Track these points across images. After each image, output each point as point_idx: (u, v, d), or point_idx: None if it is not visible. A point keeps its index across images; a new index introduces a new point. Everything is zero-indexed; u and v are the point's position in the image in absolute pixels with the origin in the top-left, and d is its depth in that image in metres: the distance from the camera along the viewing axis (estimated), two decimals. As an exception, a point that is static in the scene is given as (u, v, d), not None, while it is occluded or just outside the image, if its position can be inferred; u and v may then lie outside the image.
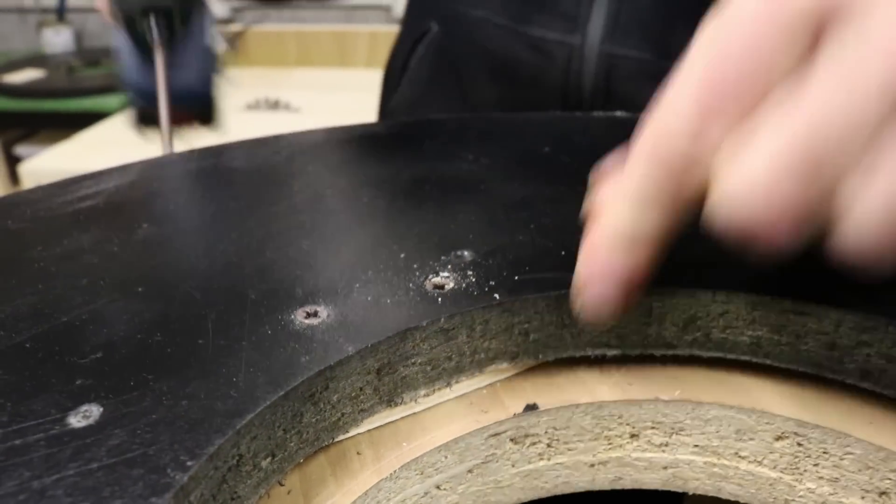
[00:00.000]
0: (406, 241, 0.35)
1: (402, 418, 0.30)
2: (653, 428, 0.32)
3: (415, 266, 0.32)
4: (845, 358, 0.30)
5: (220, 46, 0.73)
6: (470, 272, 0.32)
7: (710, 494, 0.33)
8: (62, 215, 0.38)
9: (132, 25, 0.59)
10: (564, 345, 0.32)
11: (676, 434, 0.32)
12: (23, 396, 0.24)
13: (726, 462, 0.32)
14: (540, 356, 0.32)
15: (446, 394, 0.31)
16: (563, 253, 0.33)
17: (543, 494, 0.33)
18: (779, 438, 0.31)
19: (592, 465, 0.32)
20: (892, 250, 0.22)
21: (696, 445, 0.32)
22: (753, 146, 0.22)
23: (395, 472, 0.28)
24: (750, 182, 0.22)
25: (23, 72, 2.40)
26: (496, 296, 0.30)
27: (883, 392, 0.30)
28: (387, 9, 2.59)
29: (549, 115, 0.55)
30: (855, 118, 0.21)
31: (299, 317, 0.29)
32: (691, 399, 0.31)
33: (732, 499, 0.32)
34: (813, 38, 0.22)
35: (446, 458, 0.29)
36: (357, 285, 0.31)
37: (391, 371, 0.29)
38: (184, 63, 0.65)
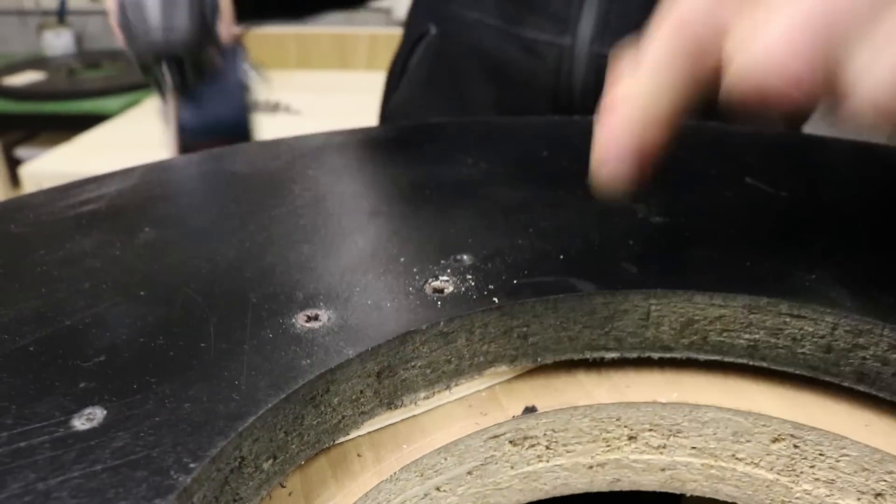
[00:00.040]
0: (406, 244, 0.35)
1: (402, 421, 0.30)
2: (651, 430, 0.32)
3: (415, 270, 0.32)
4: (841, 361, 0.31)
5: (254, 79, 0.74)
6: (469, 276, 0.32)
7: (708, 496, 0.33)
8: (64, 219, 0.38)
9: (147, 71, 0.60)
10: (563, 348, 0.32)
11: (674, 436, 0.32)
12: (27, 399, 0.25)
13: (723, 464, 0.32)
14: (538, 359, 0.32)
15: (446, 396, 0.31)
16: (561, 257, 0.34)
17: (542, 496, 0.33)
18: (775, 441, 0.31)
19: (591, 467, 0.33)
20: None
21: (694, 447, 0.32)
22: (770, 16, 0.24)
23: (395, 473, 0.28)
24: (769, 46, 0.24)
25: (23, 74, 2.40)
26: (495, 299, 0.30)
27: (878, 395, 0.30)
28: (387, 11, 2.59)
29: (548, 120, 0.55)
30: None
31: (300, 320, 0.29)
32: (689, 401, 0.32)
33: (730, 500, 0.33)
34: None
35: (446, 459, 0.30)
36: (357, 289, 0.31)
37: (391, 374, 0.29)
38: (219, 97, 0.66)
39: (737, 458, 0.32)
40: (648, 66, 0.29)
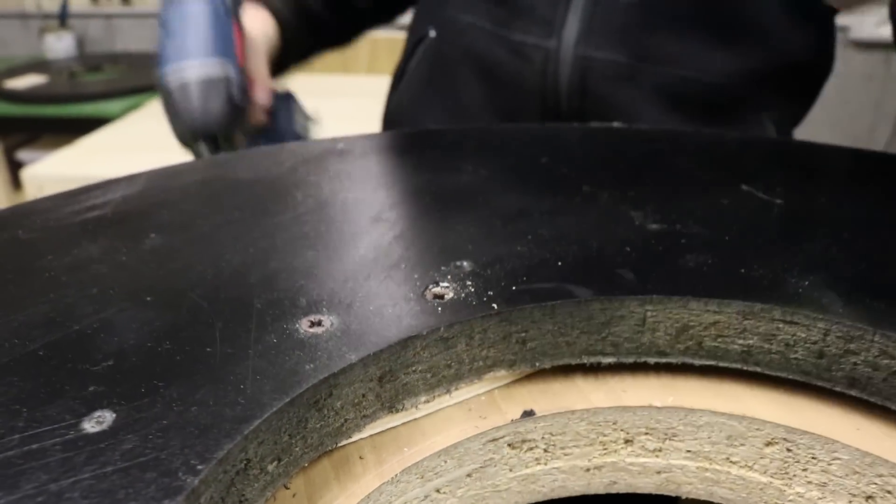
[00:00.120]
0: (407, 251, 0.35)
1: (403, 424, 0.31)
2: (646, 434, 0.33)
3: (416, 276, 0.33)
4: (833, 366, 0.31)
5: (307, 127, 0.78)
6: (469, 282, 0.33)
7: (703, 498, 0.34)
8: (71, 225, 0.39)
9: (187, 145, 0.65)
10: (561, 353, 0.33)
11: (669, 440, 0.33)
12: (38, 402, 0.25)
13: (718, 467, 0.33)
14: (537, 364, 0.33)
15: (446, 400, 0.32)
16: (559, 263, 0.34)
17: (540, 498, 0.33)
18: (769, 444, 0.32)
19: (588, 470, 0.33)
20: None
21: (689, 451, 0.33)
22: None
23: (396, 475, 0.29)
24: None
25: (25, 77, 2.41)
26: (494, 305, 0.31)
27: (869, 399, 0.31)
28: (387, 15, 2.60)
29: (547, 127, 0.56)
30: None
31: (304, 326, 0.30)
32: (684, 406, 0.32)
33: (724, 503, 0.33)
34: None
35: (446, 462, 0.30)
36: (359, 295, 0.32)
37: (392, 378, 0.30)
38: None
39: (731, 462, 0.33)
40: None
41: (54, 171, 1.68)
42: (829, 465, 0.31)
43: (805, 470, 0.31)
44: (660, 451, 0.33)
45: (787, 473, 0.32)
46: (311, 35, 0.87)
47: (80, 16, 2.78)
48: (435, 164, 0.47)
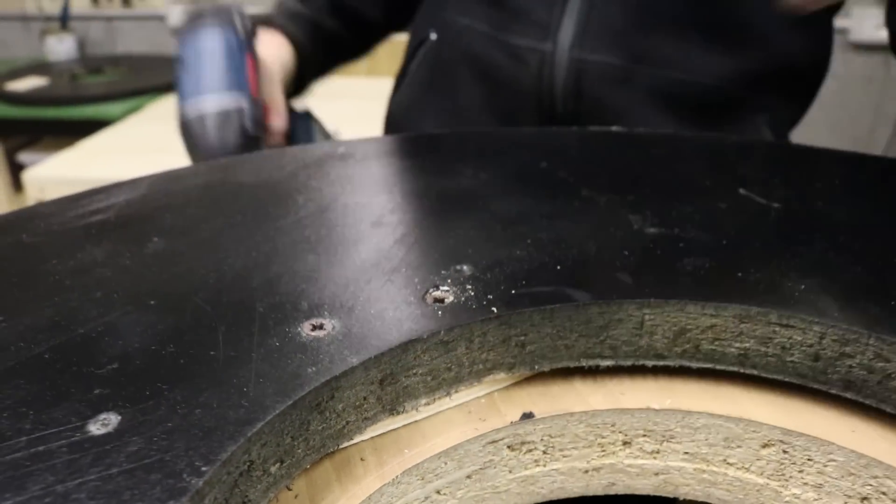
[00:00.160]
0: (408, 255, 0.36)
1: (404, 426, 0.31)
2: (644, 436, 0.33)
3: (416, 280, 0.33)
4: (829, 369, 0.32)
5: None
6: (469, 286, 0.33)
7: (700, 500, 0.34)
8: (75, 229, 0.39)
9: None
10: (559, 356, 0.33)
11: (667, 441, 0.33)
12: (44, 405, 0.26)
13: (715, 469, 0.33)
14: (536, 367, 0.33)
15: (446, 403, 0.32)
16: (558, 267, 0.35)
17: (539, 499, 0.34)
18: (765, 446, 0.32)
19: (587, 472, 0.34)
20: None
21: (687, 452, 0.33)
22: None
23: (397, 477, 0.29)
24: None
25: (26, 79, 2.41)
26: (494, 309, 0.31)
27: (864, 402, 0.31)
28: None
29: (547, 131, 0.56)
30: None
31: (306, 329, 0.30)
32: (681, 408, 0.32)
33: (721, 504, 0.34)
34: None
35: (446, 464, 0.31)
36: (361, 299, 0.32)
37: (393, 381, 0.30)
38: None
39: (728, 463, 0.33)
40: None
41: (55, 173, 1.68)
42: (825, 466, 0.31)
43: (801, 471, 0.32)
44: (657, 452, 0.33)
45: (783, 475, 0.32)
46: (327, 53, 0.89)
47: (81, 18, 2.78)
48: (435, 168, 0.48)
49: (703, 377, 0.34)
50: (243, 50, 0.67)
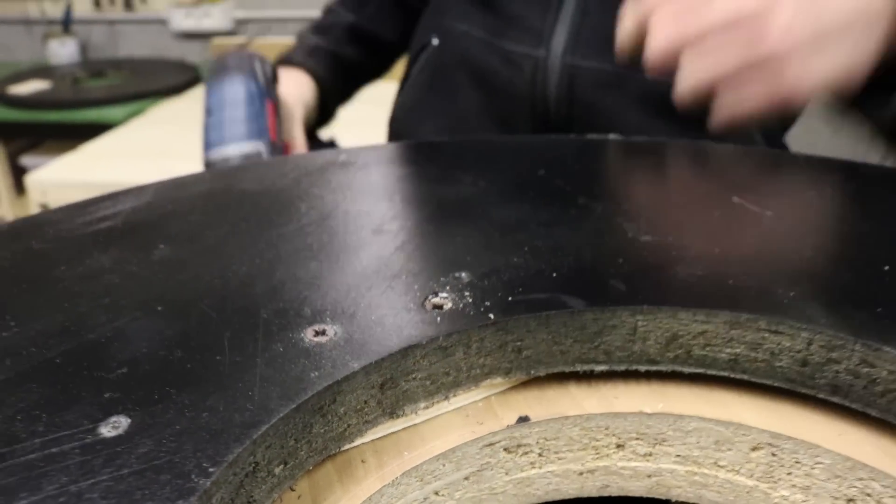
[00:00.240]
0: (408, 262, 0.37)
1: (404, 429, 0.32)
2: (637, 439, 0.34)
3: (416, 287, 0.34)
4: (816, 374, 0.33)
5: None
6: (467, 293, 0.34)
7: (692, 501, 0.35)
8: (83, 236, 0.40)
9: None
10: (555, 361, 0.34)
11: (659, 444, 0.34)
12: (56, 408, 0.27)
13: (706, 471, 0.34)
14: (532, 371, 0.34)
15: (444, 406, 0.33)
16: (554, 274, 0.36)
17: (535, 501, 0.35)
18: (755, 449, 0.33)
19: (581, 474, 0.35)
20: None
21: (678, 455, 0.34)
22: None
23: (396, 478, 0.30)
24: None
25: (28, 83, 2.42)
26: (491, 315, 0.32)
27: (851, 406, 0.32)
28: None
29: (545, 139, 0.57)
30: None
31: (308, 335, 0.31)
32: (673, 412, 0.33)
33: (712, 505, 0.35)
34: None
35: (444, 466, 0.32)
36: (362, 305, 0.33)
37: (393, 385, 0.31)
38: None
39: (719, 466, 0.34)
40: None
41: (57, 176, 1.69)
42: (813, 469, 0.32)
43: (789, 474, 0.33)
44: (650, 455, 0.34)
45: (772, 477, 0.33)
46: (348, 81, 0.93)
47: (83, 21, 2.79)
48: (435, 176, 0.48)
49: (695, 382, 0.35)
50: (263, 97, 0.71)
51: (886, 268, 0.36)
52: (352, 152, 0.53)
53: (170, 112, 2.19)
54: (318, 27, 0.94)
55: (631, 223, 0.41)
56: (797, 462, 0.32)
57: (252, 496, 0.26)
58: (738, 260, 0.37)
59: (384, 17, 0.95)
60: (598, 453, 0.34)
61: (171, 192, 0.46)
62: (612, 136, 0.57)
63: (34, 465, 0.24)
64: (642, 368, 0.35)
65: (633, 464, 0.34)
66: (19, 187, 2.36)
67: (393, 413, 0.32)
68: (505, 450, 0.33)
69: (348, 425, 0.30)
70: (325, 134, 0.93)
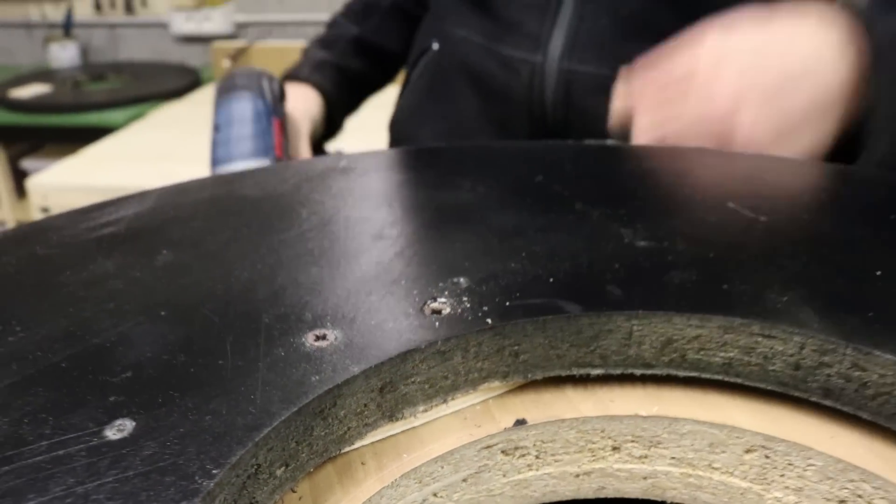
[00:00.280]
0: (407, 268, 0.37)
1: (403, 432, 0.33)
2: (633, 441, 0.34)
3: (415, 292, 0.35)
4: (809, 377, 0.33)
5: None
6: (465, 298, 0.35)
7: (687, 503, 0.35)
8: (87, 241, 0.41)
9: None
10: (551, 365, 0.35)
11: (655, 447, 0.34)
12: (63, 411, 0.27)
13: (701, 473, 0.35)
14: (529, 375, 0.35)
15: (443, 410, 0.34)
16: (551, 280, 0.36)
17: (533, 502, 0.35)
18: (748, 451, 0.33)
19: (577, 476, 0.35)
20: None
21: (673, 457, 0.35)
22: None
23: (395, 480, 0.31)
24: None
25: (29, 86, 2.43)
26: (489, 320, 0.33)
27: (842, 409, 0.33)
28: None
29: (543, 144, 0.58)
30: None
31: (309, 340, 0.31)
32: (668, 415, 0.34)
33: (707, 507, 0.35)
34: None
35: (442, 468, 0.32)
36: (362, 310, 0.34)
37: (392, 389, 0.32)
38: None
39: (713, 468, 0.34)
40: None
41: (58, 180, 1.70)
42: (805, 471, 0.32)
43: (782, 476, 0.33)
44: (645, 457, 0.35)
45: (765, 479, 0.33)
46: (353, 93, 0.96)
47: (84, 25, 2.80)
48: (434, 182, 0.49)
49: (689, 385, 0.35)
50: (270, 115, 0.73)
51: (878, 272, 0.37)
52: (352, 158, 0.53)
53: (170, 115, 2.20)
54: (323, 41, 0.95)
55: (627, 228, 0.42)
56: (790, 464, 0.33)
57: (254, 497, 0.27)
58: (732, 265, 0.38)
59: (387, 27, 0.96)
60: (594, 456, 0.35)
61: (173, 197, 0.47)
62: (609, 142, 0.58)
63: (41, 467, 0.25)
64: (638, 372, 0.35)
65: (628, 466, 0.35)
66: (20, 191, 2.37)
67: (392, 416, 0.32)
68: (502, 452, 0.33)
69: (348, 428, 0.31)
70: (332, 146, 0.94)
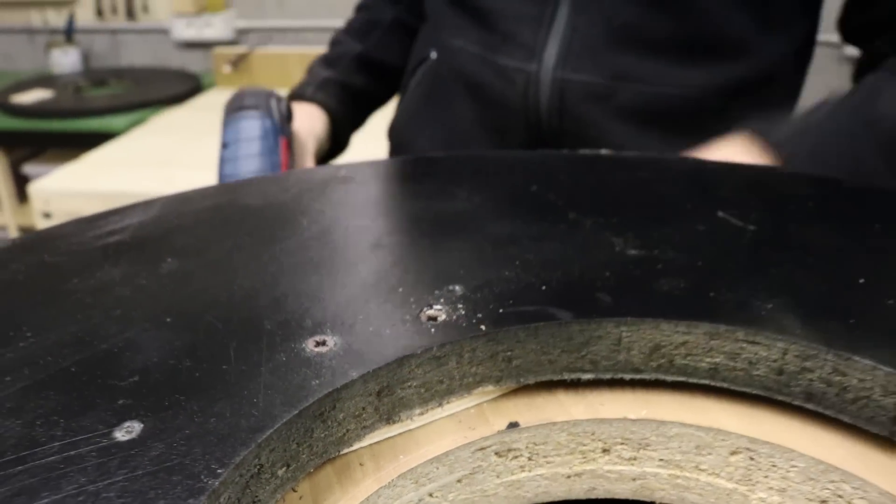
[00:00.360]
0: (404, 276, 0.39)
1: (400, 434, 0.34)
2: (622, 443, 0.36)
3: (411, 299, 0.36)
4: (792, 382, 0.34)
5: None
6: (460, 305, 0.36)
7: (675, 503, 0.36)
8: (93, 249, 0.42)
9: None
10: (543, 370, 0.36)
11: (643, 449, 0.36)
12: (73, 414, 0.28)
13: (688, 474, 0.36)
14: (521, 380, 0.36)
15: (438, 413, 0.35)
16: (543, 287, 0.37)
17: (525, 503, 0.36)
18: (733, 453, 0.34)
19: (569, 477, 0.36)
20: None
21: (661, 459, 0.36)
22: None
23: (392, 481, 0.32)
24: None
25: (31, 92, 2.44)
26: (483, 327, 0.34)
27: (824, 412, 0.34)
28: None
29: (538, 154, 0.59)
30: None
31: (310, 345, 0.33)
32: (656, 418, 0.35)
33: (694, 507, 0.36)
34: None
35: (438, 469, 0.33)
36: (360, 317, 0.35)
37: (390, 393, 0.33)
38: None
39: (700, 469, 0.35)
40: None
41: (60, 185, 1.71)
42: (788, 472, 0.34)
43: (766, 477, 0.34)
44: (634, 459, 0.36)
45: (750, 480, 0.35)
46: (358, 109, 0.98)
47: (85, 31, 2.82)
48: (432, 191, 0.50)
49: (677, 389, 0.36)
50: (277, 134, 0.75)
51: (861, 280, 0.38)
52: (351, 168, 0.54)
53: (171, 121, 2.21)
54: (327, 59, 0.97)
55: (619, 237, 0.43)
56: (773, 465, 0.34)
57: (257, 496, 0.28)
58: (720, 273, 0.39)
59: (389, 43, 0.98)
60: (584, 457, 0.36)
61: (177, 206, 0.48)
62: (603, 152, 0.59)
63: (54, 467, 0.26)
64: (627, 377, 0.36)
65: (618, 467, 0.36)
66: (22, 196, 2.38)
67: (389, 419, 0.34)
68: (496, 454, 0.34)
69: (347, 430, 0.32)
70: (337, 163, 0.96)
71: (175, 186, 0.50)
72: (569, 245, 0.42)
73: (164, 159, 1.87)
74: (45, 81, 2.59)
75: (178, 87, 2.46)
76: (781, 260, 0.41)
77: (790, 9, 0.76)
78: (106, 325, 0.35)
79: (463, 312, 0.35)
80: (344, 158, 0.94)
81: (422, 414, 0.34)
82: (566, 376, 0.36)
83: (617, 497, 0.37)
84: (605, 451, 0.36)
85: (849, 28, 0.79)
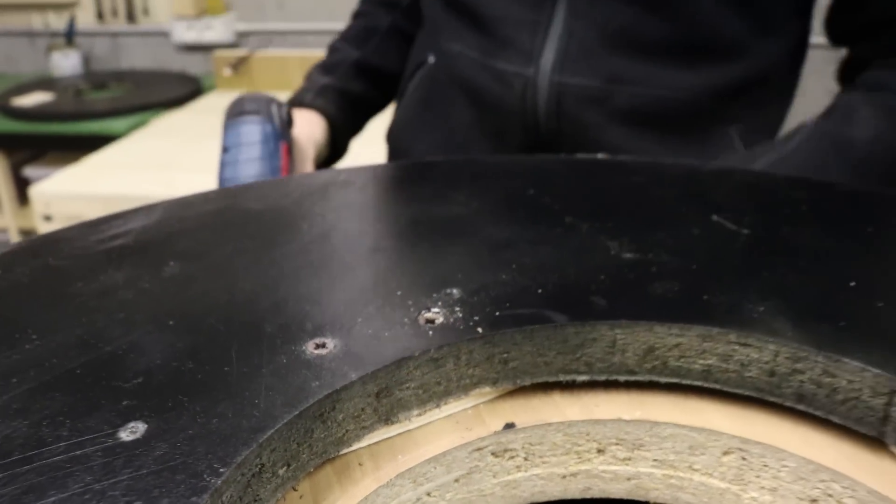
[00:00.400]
0: (402, 279, 0.39)
1: (398, 435, 0.35)
2: (617, 444, 0.36)
3: (409, 303, 0.37)
4: (783, 383, 0.35)
5: None
6: (457, 308, 0.36)
7: (669, 503, 0.37)
8: (97, 253, 0.43)
9: None
10: (539, 371, 0.36)
11: (637, 449, 0.36)
12: (79, 414, 0.29)
13: (681, 474, 0.36)
14: (517, 381, 0.36)
15: (436, 414, 0.35)
16: (539, 291, 0.38)
17: (522, 502, 0.37)
18: (726, 453, 0.35)
19: (564, 477, 0.37)
20: None
21: (655, 459, 0.36)
22: None
23: (391, 480, 0.32)
24: None
25: (31, 95, 2.45)
26: (479, 329, 0.35)
27: (815, 413, 0.34)
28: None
29: (534, 159, 0.60)
30: None
31: (310, 348, 0.33)
32: (650, 419, 0.36)
33: (687, 507, 0.37)
34: None
35: (435, 469, 0.34)
36: (359, 320, 0.35)
37: (388, 394, 0.33)
38: None
39: (693, 469, 0.36)
40: None
41: (61, 188, 1.72)
42: (779, 472, 0.34)
43: (758, 476, 0.35)
44: (629, 459, 0.36)
45: (742, 480, 0.35)
46: (356, 115, 0.99)
47: (86, 34, 2.82)
48: (430, 196, 0.51)
49: (671, 391, 0.37)
50: (278, 139, 0.76)
51: (852, 284, 0.39)
52: (351, 172, 0.55)
53: (172, 124, 2.22)
54: (325, 66, 0.98)
55: (614, 241, 0.43)
56: (765, 465, 0.34)
57: (258, 495, 0.29)
58: (713, 276, 0.40)
59: (386, 49, 0.98)
60: (580, 458, 0.36)
61: (179, 210, 0.48)
62: (600, 156, 0.60)
63: (61, 466, 0.26)
64: (621, 378, 0.37)
65: (613, 467, 0.37)
66: (22, 198, 2.38)
67: (388, 420, 0.34)
68: (492, 454, 0.35)
69: (346, 431, 0.33)
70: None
71: (175, 189, 0.50)
72: (565, 249, 0.43)
73: (164, 162, 1.88)
74: (46, 84, 2.59)
75: (178, 90, 2.47)
76: (774, 263, 0.41)
77: (783, 11, 0.77)
78: (110, 327, 0.35)
79: (460, 315, 0.36)
80: (343, 163, 0.95)
81: (420, 415, 0.35)
82: (562, 378, 0.37)
83: (612, 497, 0.37)
84: (599, 451, 0.36)
85: (834, 31, 0.80)
